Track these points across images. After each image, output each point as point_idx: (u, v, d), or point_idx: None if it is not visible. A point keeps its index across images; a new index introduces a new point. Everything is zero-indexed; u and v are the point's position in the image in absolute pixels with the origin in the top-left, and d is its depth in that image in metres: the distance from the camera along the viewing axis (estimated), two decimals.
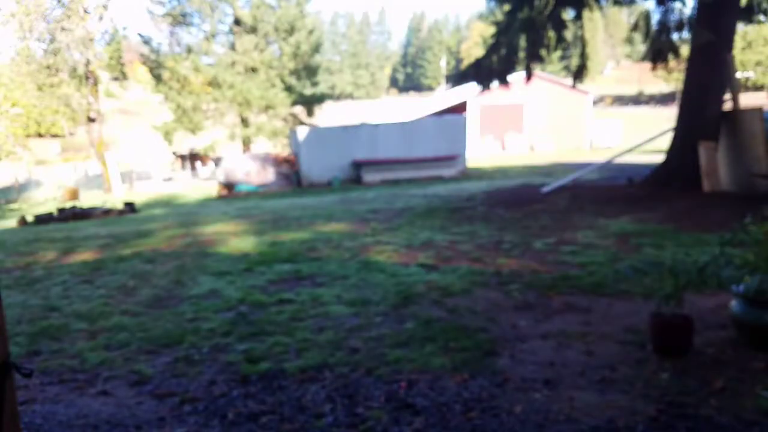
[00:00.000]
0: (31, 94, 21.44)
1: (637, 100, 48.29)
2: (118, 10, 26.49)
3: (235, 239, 7.14)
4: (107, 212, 12.35)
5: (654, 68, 10.48)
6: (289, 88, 23.32)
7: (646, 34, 10.05)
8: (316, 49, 25.50)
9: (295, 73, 23.76)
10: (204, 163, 24.05)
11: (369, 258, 5.60)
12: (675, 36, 9.90)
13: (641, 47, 11.62)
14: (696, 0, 9.12)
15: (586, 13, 10.31)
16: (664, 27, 9.76)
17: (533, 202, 8.92)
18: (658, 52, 9.79)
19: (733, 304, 3.02)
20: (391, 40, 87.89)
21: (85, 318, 4.12)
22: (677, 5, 9.64)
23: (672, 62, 10.25)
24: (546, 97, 28.59)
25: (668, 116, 11.23)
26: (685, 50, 9.67)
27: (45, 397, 2.87)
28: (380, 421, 2.44)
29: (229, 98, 22.47)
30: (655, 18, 9.98)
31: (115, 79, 22.32)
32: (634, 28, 10.36)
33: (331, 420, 2.48)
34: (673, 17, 9.66)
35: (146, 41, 23.10)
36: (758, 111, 8.11)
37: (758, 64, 38.58)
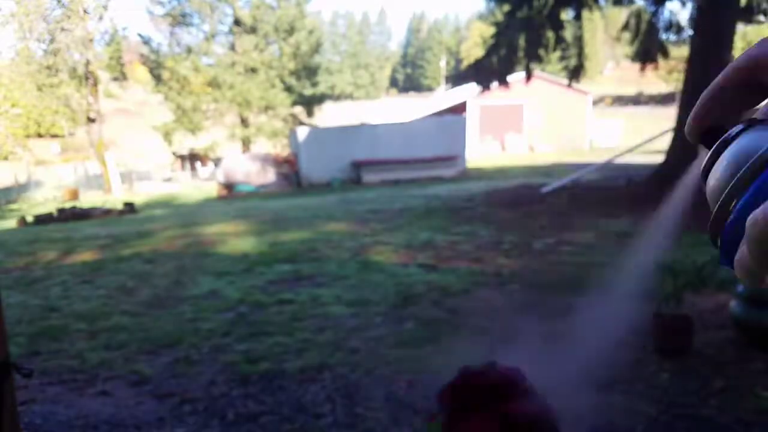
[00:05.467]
0: (31, 94, 21.43)
1: (637, 100, 48.24)
2: (118, 10, 26.47)
3: (235, 239, 7.14)
4: (107, 212, 12.34)
5: (643, 69, 10.50)
6: (289, 89, 23.32)
7: (636, 34, 10.05)
8: (316, 49, 25.50)
9: (295, 73, 23.77)
10: (204, 163, 24.05)
11: (369, 258, 5.60)
12: (671, 37, 9.92)
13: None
14: (695, 0, 9.13)
15: (585, 14, 10.32)
16: (654, 27, 9.77)
17: (533, 203, 8.92)
18: (647, 52, 9.81)
19: (733, 304, 3.03)
20: (391, 40, 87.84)
21: (85, 318, 4.12)
22: (672, 5, 9.70)
23: (669, 63, 10.29)
24: (546, 98, 28.58)
25: (668, 116, 11.23)
26: (674, 51, 9.69)
27: (45, 397, 2.87)
28: (380, 421, 2.44)
29: (229, 98, 22.48)
30: (647, 18, 10.01)
31: (115, 79, 22.34)
32: (625, 27, 10.37)
33: (331, 420, 2.48)
34: (663, 17, 9.69)
35: (146, 41, 23.12)
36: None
37: None
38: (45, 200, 18.97)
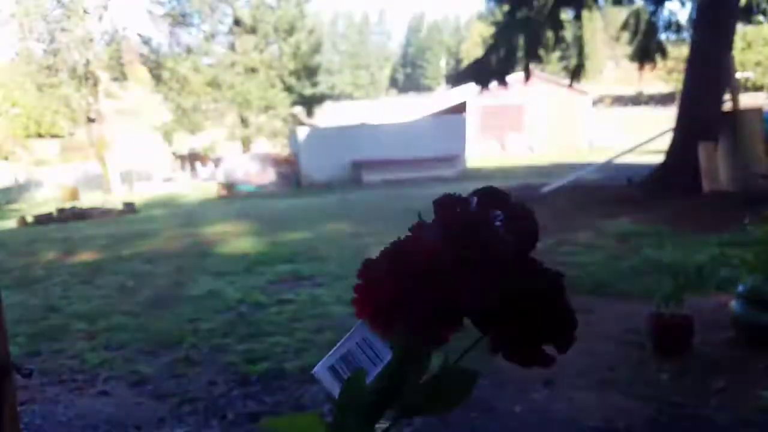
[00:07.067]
0: (31, 94, 21.45)
1: (637, 100, 48.21)
2: (118, 10, 26.51)
3: (235, 239, 7.14)
4: (107, 212, 12.34)
5: (641, 68, 10.51)
6: (289, 89, 23.31)
7: (635, 34, 10.05)
8: (316, 49, 25.50)
9: (295, 73, 23.75)
10: (204, 163, 24.02)
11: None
12: (671, 36, 9.93)
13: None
14: (695, 0, 9.13)
15: (585, 13, 10.32)
16: (653, 27, 9.78)
17: (533, 203, 8.91)
18: (645, 52, 9.81)
19: (733, 304, 3.03)
20: (391, 40, 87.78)
21: (85, 318, 4.12)
22: (671, 5, 9.72)
23: (669, 63, 10.33)
24: (546, 98, 28.58)
25: (668, 116, 11.26)
26: (674, 51, 9.70)
27: (45, 397, 2.87)
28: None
29: (229, 98, 22.47)
30: (646, 17, 10.01)
31: (115, 79, 22.34)
32: (624, 27, 10.37)
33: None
34: (663, 17, 9.69)
35: (146, 41, 23.09)
36: (758, 111, 8.12)
37: (758, 64, 38.51)
38: (45, 200, 18.96)
